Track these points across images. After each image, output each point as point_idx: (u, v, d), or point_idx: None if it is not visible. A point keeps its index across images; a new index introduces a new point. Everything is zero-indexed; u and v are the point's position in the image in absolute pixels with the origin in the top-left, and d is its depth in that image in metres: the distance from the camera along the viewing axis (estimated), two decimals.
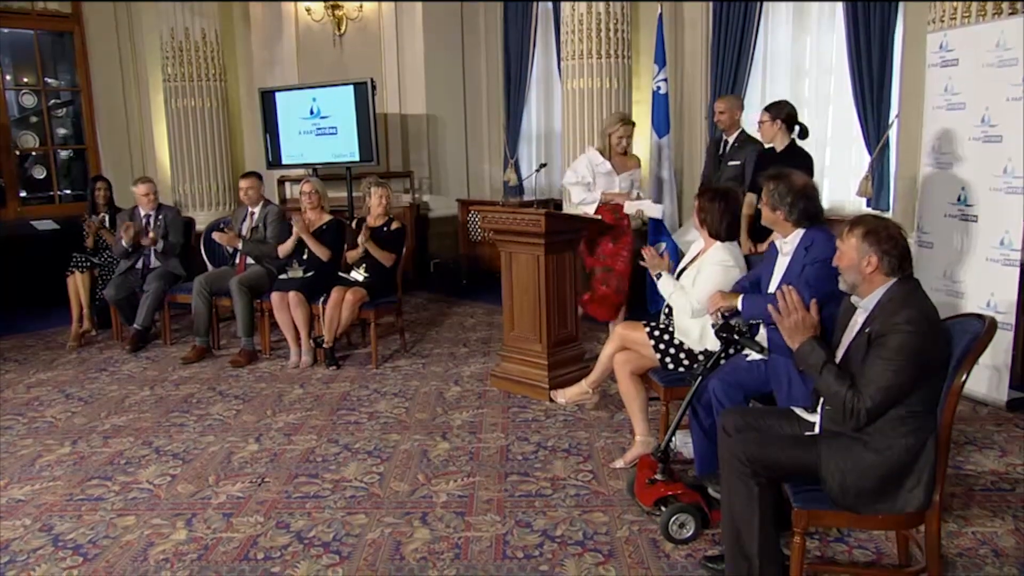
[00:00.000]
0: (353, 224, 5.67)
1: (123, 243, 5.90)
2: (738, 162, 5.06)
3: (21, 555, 3.05)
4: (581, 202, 5.14)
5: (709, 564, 2.76)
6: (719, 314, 3.16)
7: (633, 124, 5.14)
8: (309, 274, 5.49)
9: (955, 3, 4.28)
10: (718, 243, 3.53)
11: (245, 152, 8.40)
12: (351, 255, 5.49)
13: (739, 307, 3.10)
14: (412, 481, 3.59)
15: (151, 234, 5.93)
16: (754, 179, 4.54)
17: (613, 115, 5.33)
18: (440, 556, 2.94)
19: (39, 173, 8.16)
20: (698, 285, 3.51)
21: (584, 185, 5.11)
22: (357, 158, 7.42)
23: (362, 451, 3.95)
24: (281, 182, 8.10)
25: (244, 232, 5.75)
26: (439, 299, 7.47)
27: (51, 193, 8.17)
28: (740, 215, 3.53)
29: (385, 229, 5.44)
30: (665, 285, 3.58)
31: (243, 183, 5.83)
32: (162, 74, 7.81)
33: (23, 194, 7.99)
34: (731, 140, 5.21)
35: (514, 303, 4.72)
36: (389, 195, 5.60)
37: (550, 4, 7.73)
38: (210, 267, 6.04)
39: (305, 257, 5.53)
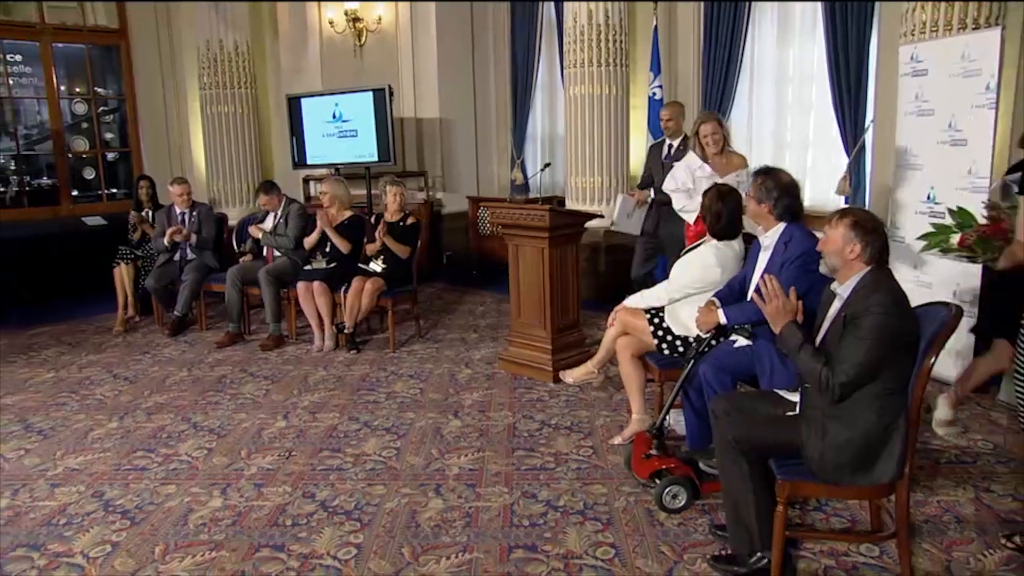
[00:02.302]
0: (372, 219, 5.65)
1: (163, 241, 5.92)
2: None
3: (76, 517, 3.08)
4: (682, 209, 4.62)
5: (718, 532, 2.78)
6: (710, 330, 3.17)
7: (718, 121, 4.41)
8: (332, 265, 5.47)
9: (925, 18, 4.29)
10: (713, 241, 3.50)
11: (273, 153, 8.37)
12: (370, 248, 5.47)
13: (723, 321, 3.10)
14: (426, 455, 3.59)
15: (184, 231, 5.93)
16: None
17: (698, 116, 4.61)
18: (452, 524, 2.94)
19: (89, 174, 8.18)
20: (676, 274, 3.56)
21: (685, 192, 4.52)
22: (376, 158, 7.40)
23: (380, 428, 3.95)
24: (306, 181, 8.09)
25: (268, 227, 5.76)
26: (451, 289, 7.45)
27: (99, 192, 8.18)
28: (739, 216, 3.43)
29: (401, 224, 5.42)
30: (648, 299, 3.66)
31: (262, 198, 5.75)
32: (198, 82, 7.79)
33: (75, 193, 8.00)
34: (675, 144, 5.13)
35: (520, 292, 4.70)
36: (404, 193, 5.57)
37: (554, 16, 7.66)
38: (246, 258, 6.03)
39: (328, 249, 5.52)
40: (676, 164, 4.69)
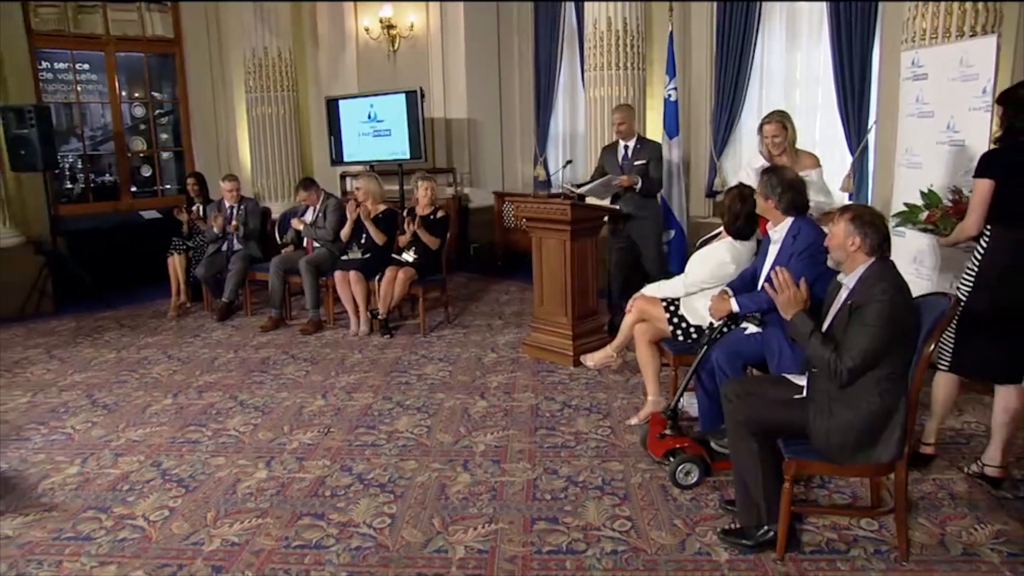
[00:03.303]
0: (405, 213, 5.67)
1: (214, 229, 6.00)
2: (643, 161, 4.93)
3: (137, 484, 3.15)
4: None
5: (729, 507, 2.78)
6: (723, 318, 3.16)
7: (781, 122, 3.85)
8: (367, 255, 5.51)
9: (925, 26, 4.25)
10: (729, 239, 3.47)
11: (313, 151, 8.42)
12: (402, 239, 5.49)
13: (735, 309, 3.08)
14: (455, 433, 3.61)
15: (233, 223, 6.00)
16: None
17: (764, 116, 4.04)
18: (479, 497, 2.96)
19: (146, 171, 8.31)
20: (693, 268, 3.54)
21: None
22: (408, 156, 7.40)
23: (412, 407, 3.97)
24: (343, 177, 8.13)
25: (309, 220, 5.82)
26: (478, 278, 7.46)
27: (155, 188, 8.31)
28: (756, 218, 3.36)
29: (432, 217, 5.43)
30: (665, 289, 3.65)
31: (302, 194, 5.81)
32: (244, 87, 7.85)
33: (133, 189, 8.14)
34: (631, 144, 5.00)
35: (543, 281, 4.69)
36: (435, 188, 5.58)
37: (575, 22, 7.60)
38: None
39: (363, 241, 5.55)
40: (744, 166, 4.37)
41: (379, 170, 7.13)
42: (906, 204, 3.86)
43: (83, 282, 6.44)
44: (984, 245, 2.88)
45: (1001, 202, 2.81)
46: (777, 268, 2.57)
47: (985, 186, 2.84)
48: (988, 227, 2.87)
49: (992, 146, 2.96)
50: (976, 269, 2.90)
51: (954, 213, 3.48)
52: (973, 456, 3.10)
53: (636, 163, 4.93)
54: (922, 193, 3.78)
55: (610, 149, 5.14)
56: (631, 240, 5.03)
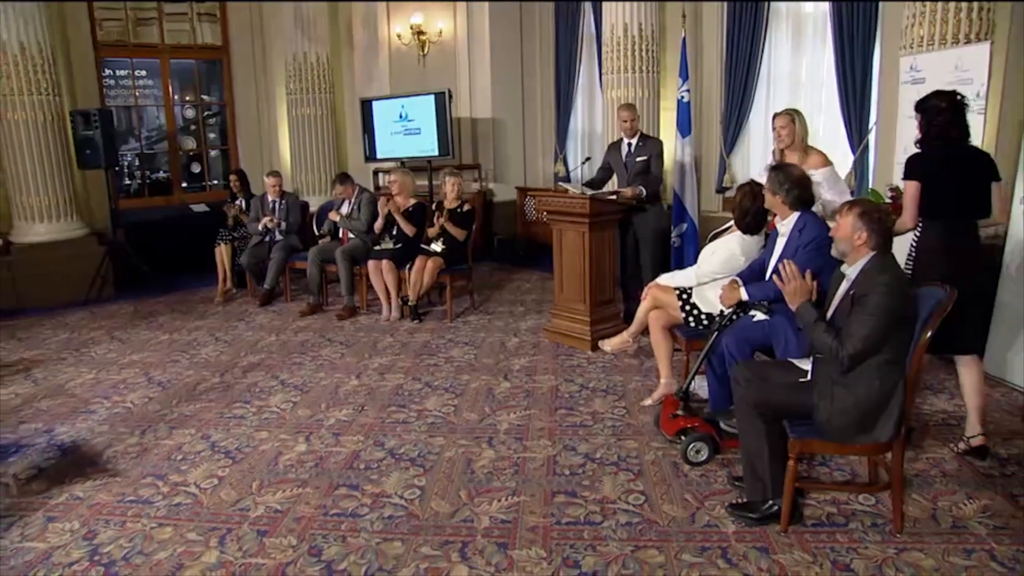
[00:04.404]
0: (433, 206, 5.67)
1: (258, 226, 6.07)
2: (645, 157, 4.83)
3: (189, 455, 3.21)
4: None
5: (737, 483, 2.76)
6: (732, 306, 3.13)
7: (791, 116, 3.67)
8: (398, 246, 5.52)
9: (923, 33, 4.23)
10: (739, 232, 3.42)
11: (348, 149, 8.45)
12: (431, 231, 5.49)
13: (744, 298, 3.06)
14: (480, 412, 3.61)
15: (274, 219, 6.05)
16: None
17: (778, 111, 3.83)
18: (503, 471, 2.96)
19: (195, 168, 8.43)
20: (704, 260, 3.51)
21: None
22: (436, 153, 7.40)
23: (440, 388, 3.99)
24: (375, 173, 8.16)
25: (344, 213, 5.84)
26: (501, 268, 7.45)
27: (203, 183, 8.42)
28: (765, 214, 3.33)
29: (458, 210, 5.42)
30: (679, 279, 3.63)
31: (338, 188, 5.82)
32: (285, 89, 7.90)
33: (184, 184, 8.26)
34: (633, 142, 4.88)
35: (563, 271, 4.67)
36: (461, 183, 5.57)
37: (594, 28, 7.51)
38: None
39: (395, 232, 5.56)
40: (762, 170, 4.01)
41: (409, 166, 7.15)
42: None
43: (140, 270, 6.56)
44: (917, 235, 3.09)
45: (926, 197, 2.96)
46: (785, 260, 2.56)
47: (913, 187, 2.99)
48: (920, 220, 3.04)
49: (916, 150, 3.06)
50: (914, 256, 3.10)
51: (893, 210, 3.56)
52: (964, 436, 3.08)
53: (638, 159, 4.87)
54: (865, 193, 3.77)
55: (615, 146, 5.07)
56: (634, 234, 4.96)
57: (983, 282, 3.27)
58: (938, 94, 2.99)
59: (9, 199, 6.36)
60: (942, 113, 2.92)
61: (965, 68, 3.91)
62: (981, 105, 3.83)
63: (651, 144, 4.91)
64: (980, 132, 3.88)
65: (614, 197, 4.63)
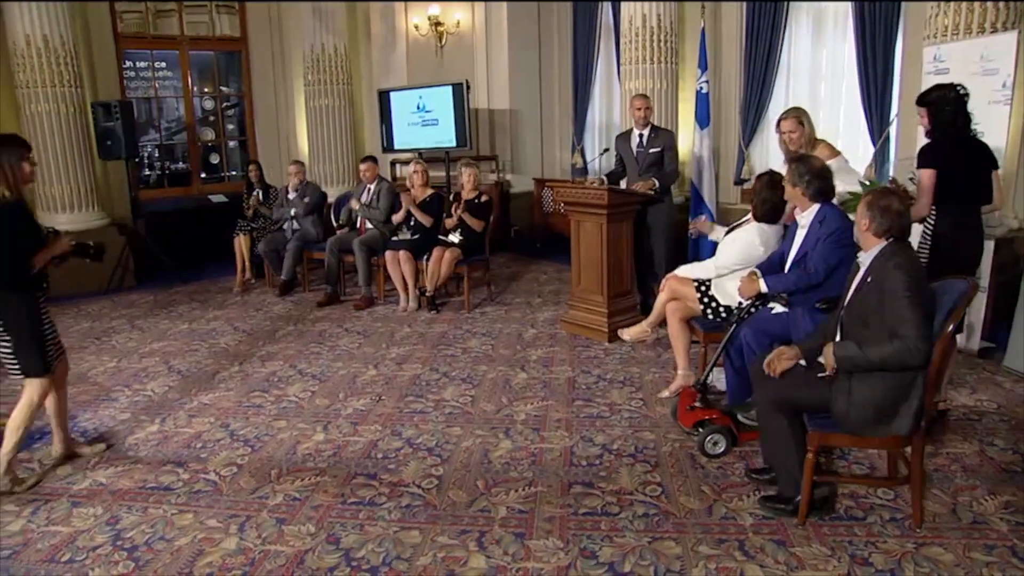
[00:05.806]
0: (451, 197, 5.67)
1: (289, 211, 6.09)
2: (658, 149, 4.76)
3: (209, 443, 3.25)
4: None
5: (754, 475, 2.76)
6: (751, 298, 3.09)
7: (798, 118, 3.56)
8: (415, 236, 5.53)
9: (947, 22, 4.16)
10: (757, 223, 3.39)
11: (366, 140, 8.46)
12: (449, 222, 5.49)
13: (764, 290, 3.01)
14: (497, 402, 3.62)
15: (292, 201, 6.07)
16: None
17: (782, 112, 3.76)
18: (520, 462, 2.97)
19: (214, 159, 8.51)
20: (723, 251, 3.48)
21: None
22: (454, 144, 7.39)
23: (457, 378, 4.00)
24: (393, 163, 8.16)
25: (364, 201, 5.85)
26: (518, 259, 7.44)
27: (222, 174, 8.50)
28: (783, 205, 3.31)
29: (476, 201, 5.41)
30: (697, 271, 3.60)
31: (362, 165, 5.90)
32: (303, 80, 7.91)
33: (203, 175, 8.33)
34: (645, 133, 4.80)
35: (580, 262, 4.65)
36: (479, 174, 5.56)
37: (611, 19, 7.44)
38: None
39: (412, 223, 5.57)
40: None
41: (427, 157, 7.14)
42: (850, 192, 3.61)
43: (160, 260, 6.64)
44: (931, 222, 3.21)
45: (941, 185, 3.10)
46: (764, 365, 2.50)
47: (928, 175, 3.11)
48: (933, 207, 3.17)
49: (927, 141, 3.20)
50: (929, 242, 3.22)
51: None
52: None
53: (651, 151, 4.80)
54: (862, 184, 3.60)
55: (624, 137, 4.98)
56: (647, 227, 4.90)
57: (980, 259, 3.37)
58: (940, 87, 3.18)
59: (33, 189, 6.46)
60: (949, 104, 3.10)
61: (990, 58, 3.85)
62: (1007, 95, 3.76)
63: (663, 136, 4.85)
64: (1006, 122, 3.83)
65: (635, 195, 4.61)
